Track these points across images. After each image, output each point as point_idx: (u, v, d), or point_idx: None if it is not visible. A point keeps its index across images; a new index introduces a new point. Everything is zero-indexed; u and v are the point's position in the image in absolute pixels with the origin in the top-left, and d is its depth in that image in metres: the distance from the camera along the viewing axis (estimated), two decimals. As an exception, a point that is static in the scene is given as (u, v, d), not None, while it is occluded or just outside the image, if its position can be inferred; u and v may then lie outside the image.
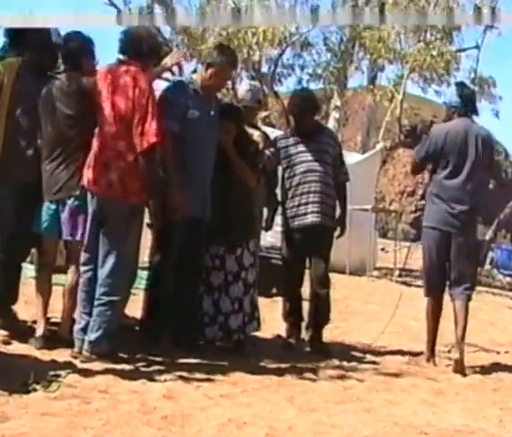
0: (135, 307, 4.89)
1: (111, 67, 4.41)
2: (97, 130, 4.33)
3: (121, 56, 4.40)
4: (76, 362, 4.06)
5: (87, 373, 3.84)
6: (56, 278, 4.65)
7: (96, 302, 4.25)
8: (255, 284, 5.00)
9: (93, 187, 4.30)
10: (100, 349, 4.19)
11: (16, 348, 4.30)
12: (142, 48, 4.37)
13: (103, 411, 3.25)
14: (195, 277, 4.83)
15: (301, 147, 5.36)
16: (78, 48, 4.49)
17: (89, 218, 4.33)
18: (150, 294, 4.81)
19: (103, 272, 4.26)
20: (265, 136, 5.39)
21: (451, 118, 5.19)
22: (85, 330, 4.26)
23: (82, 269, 4.36)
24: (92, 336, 4.21)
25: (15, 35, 4.58)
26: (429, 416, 3.69)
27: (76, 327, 4.32)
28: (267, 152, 5.16)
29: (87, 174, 4.31)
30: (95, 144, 4.32)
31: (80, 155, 4.36)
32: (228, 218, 4.82)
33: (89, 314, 4.27)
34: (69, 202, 4.37)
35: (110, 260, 4.26)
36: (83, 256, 4.36)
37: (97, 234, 4.31)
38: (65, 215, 4.40)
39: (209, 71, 4.76)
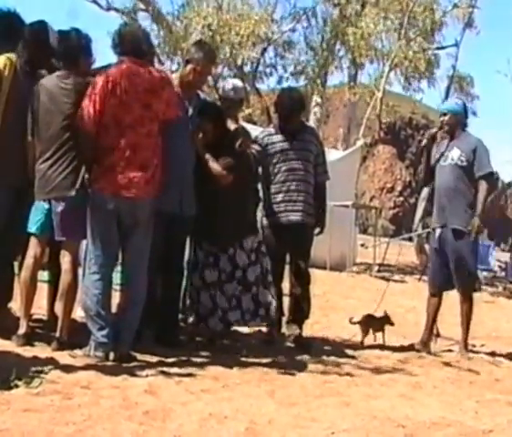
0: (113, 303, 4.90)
1: (125, 67, 4.19)
2: (115, 133, 4.13)
3: (123, 56, 4.25)
4: (58, 358, 4.04)
5: (68, 369, 3.84)
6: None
7: (130, 305, 4.27)
8: (259, 281, 4.92)
9: (127, 190, 4.15)
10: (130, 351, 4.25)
11: (-2, 344, 4.29)
12: (143, 47, 4.31)
13: (85, 406, 3.26)
14: (176, 273, 4.84)
15: (284, 146, 5.39)
16: (76, 46, 4.37)
17: (107, 220, 4.18)
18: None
19: (137, 276, 4.27)
20: (247, 132, 5.40)
21: None
22: (109, 335, 4.19)
23: (101, 271, 4.21)
24: (129, 338, 4.24)
25: (6, 29, 4.46)
26: (407, 409, 3.74)
27: (102, 332, 4.18)
28: (253, 150, 5.16)
29: (113, 179, 4.13)
30: (121, 147, 4.14)
31: (75, 155, 4.25)
32: (216, 220, 4.81)
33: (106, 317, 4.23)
34: (62, 202, 4.26)
35: (143, 263, 4.28)
36: (101, 258, 4.20)
37: (117, 236, 4.24)
38: (58, 215, 4.29)
39: (189, 67, 4.76)
